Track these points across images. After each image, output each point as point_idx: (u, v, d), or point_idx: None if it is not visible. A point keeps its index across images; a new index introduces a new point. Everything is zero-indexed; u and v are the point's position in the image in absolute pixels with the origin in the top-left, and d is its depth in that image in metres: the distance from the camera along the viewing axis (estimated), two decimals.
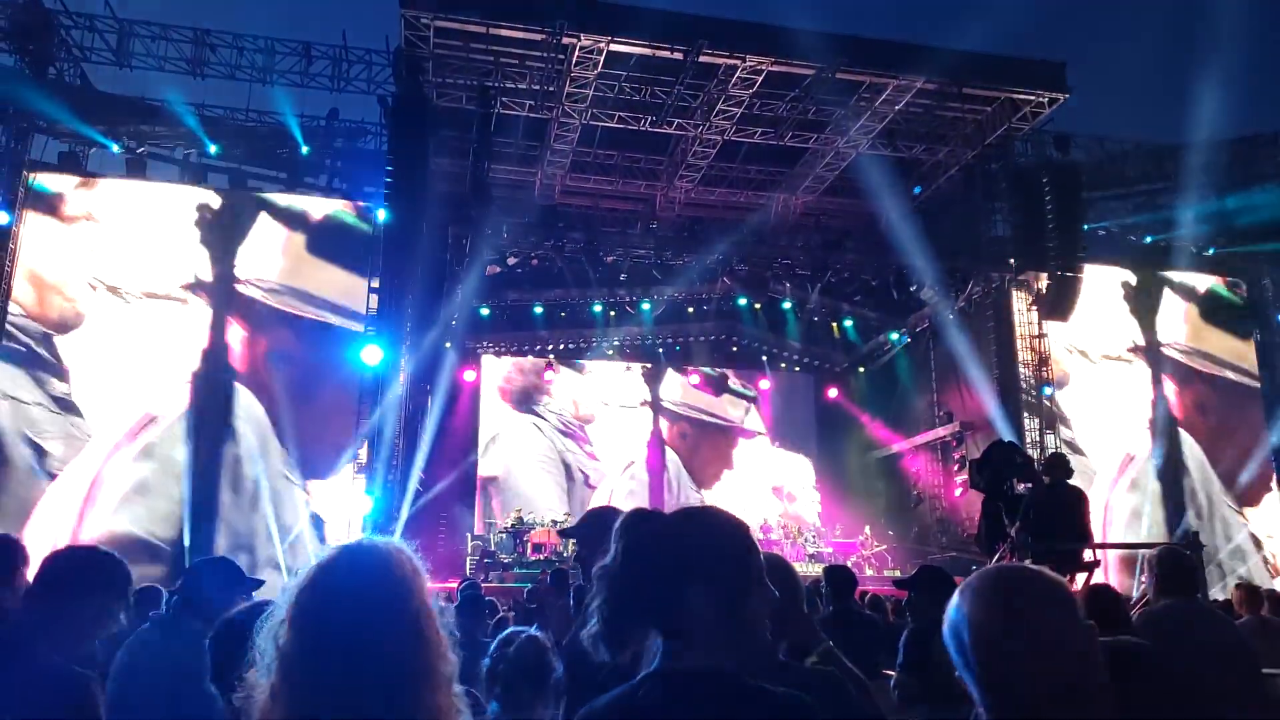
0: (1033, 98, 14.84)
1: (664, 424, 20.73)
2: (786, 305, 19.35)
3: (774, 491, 20.69)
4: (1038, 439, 15.17)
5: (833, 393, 21.46)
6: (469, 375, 19.14)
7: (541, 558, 14.75)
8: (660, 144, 16.54)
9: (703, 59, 13.64)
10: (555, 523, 15.81)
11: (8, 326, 12.97)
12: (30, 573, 2.58)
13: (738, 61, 13.71)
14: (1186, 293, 17.34)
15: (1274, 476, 16.50)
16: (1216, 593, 12.99)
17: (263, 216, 14.19)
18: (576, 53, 13.43)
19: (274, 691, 1.33)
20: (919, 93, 14.57)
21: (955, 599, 1.43)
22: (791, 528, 17.95)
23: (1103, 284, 16.48)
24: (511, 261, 17.03)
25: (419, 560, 1.47)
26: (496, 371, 20.10)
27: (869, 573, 15.71)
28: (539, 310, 18.81)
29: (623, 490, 19.80)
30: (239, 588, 3.12)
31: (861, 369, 21.39)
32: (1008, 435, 13.99)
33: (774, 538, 17.49)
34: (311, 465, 13.23)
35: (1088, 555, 7.03)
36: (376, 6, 15.25)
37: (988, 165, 16.20)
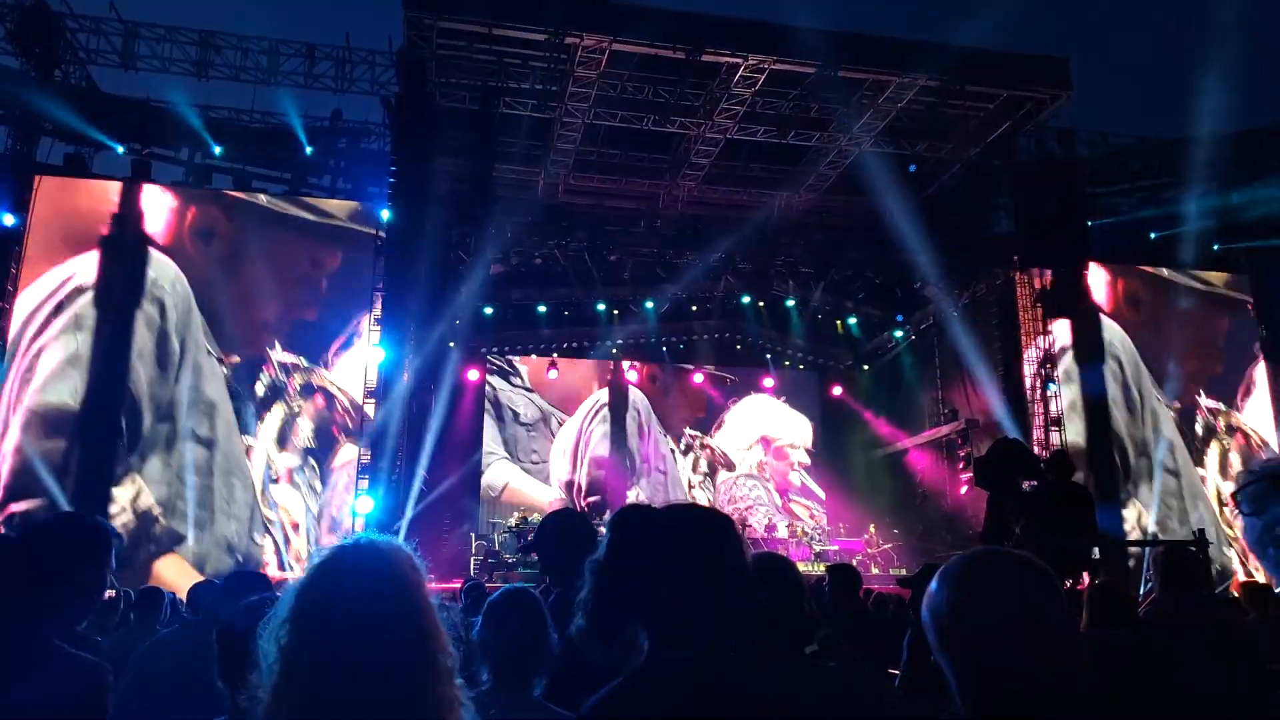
0: (1036, 94, 14.81)
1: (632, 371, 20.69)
2: (790, 303, 19.36)
3: (761, 442, 20.79)
4: (1043, 436, 15.15)
5: (837, 391, 21.45)
6: (473, 375, 19.17)
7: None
8: (663, 143, 16.55)
9: (705, 58, 13.65)
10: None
11: None
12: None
13: (740, 60, 13.71)
14: None
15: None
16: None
17: None
18: (579, 52, 13.44)
19: (278, 692, 1.34)
20: (922, 90, 14.56)
21: (935, 582, 1.42)
22: (797, 527, 17.97)
23: None
24: (515, 261, 17.05)
25: (417, 558, 1.49)
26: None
27: (874, 571, 15.72)
28: (542, 309, 18.84)
29: (598, 434, 19.95)
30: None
31: (866, 367, 21.39)
32: (1013, 432, 13.98)
33: (779, 536, 17.51)
34: (230, 340, 13.69)
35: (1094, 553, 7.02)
36: (380, 7, 15.28)
37: (991, 161, 16.17)
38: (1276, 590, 6.53)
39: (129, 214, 13.71)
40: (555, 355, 19.91)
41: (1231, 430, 16.88)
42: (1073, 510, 6.51)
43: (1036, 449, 14.13)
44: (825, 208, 18.12)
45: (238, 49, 14.28)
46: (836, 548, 16.88)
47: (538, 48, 13.59)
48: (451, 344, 17.07)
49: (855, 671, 2.24)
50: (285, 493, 13.54)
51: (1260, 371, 17.09)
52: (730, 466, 20.45)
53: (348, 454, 13.75)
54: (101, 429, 12.83)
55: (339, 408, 14.04)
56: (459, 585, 8.43)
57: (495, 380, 19.92)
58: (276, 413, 13.81)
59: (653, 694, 1.46)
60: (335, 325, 14.18)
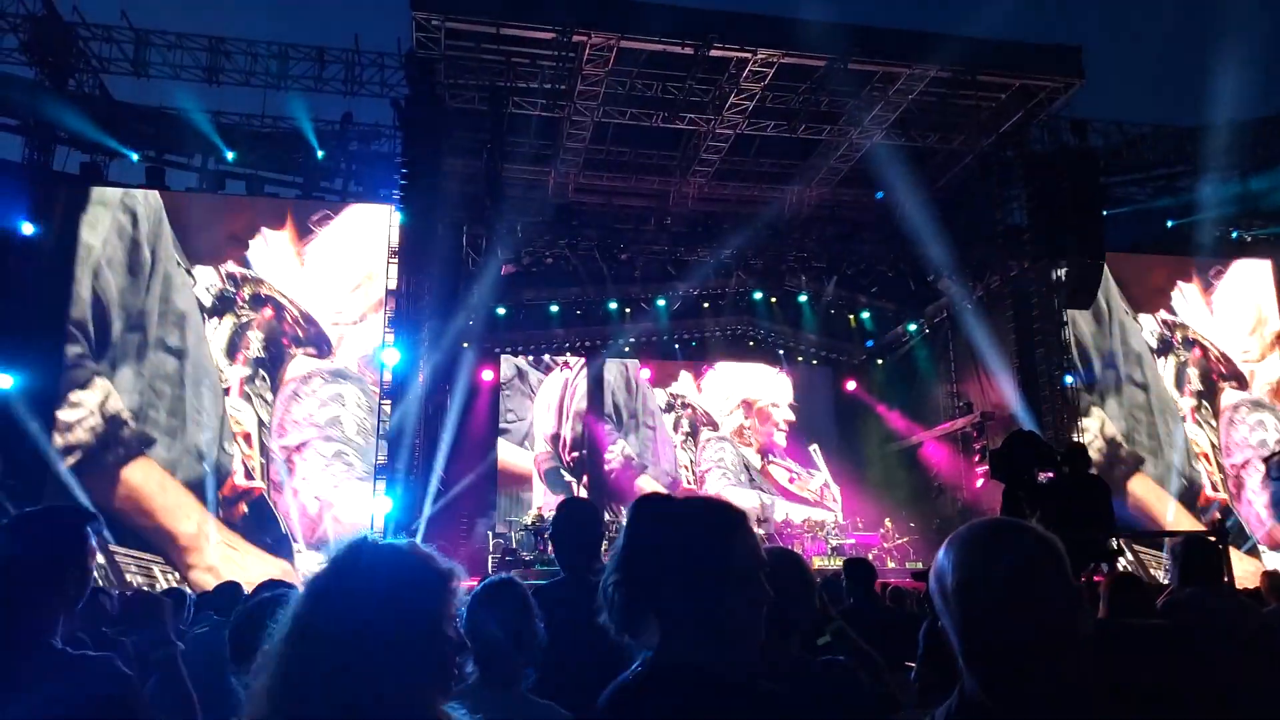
0: (1048, 84, 14.69)
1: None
2: (803, 298, 19.30)
3: (743, 405, 20.83)
4: (1058, 428, 15.05)
5: (851, 385, 21.38)
6: (487, 375, 19.22)
7: None
8: (673, 140, 16.52)
9: (714, 53, 13.61)
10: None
11: None
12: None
13: (749, 55, 13.67)
14: None
15: None
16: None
17: None
18: (587, 51, 13.44)
19: (266, 690, 1.32)
20: (932, 81, 14.47)
21: (943, 548, 1.42)
22: (812, 522, 17.93)
23: None
24: (526, 260, 17.08)
25: (443, 561, 1.44)
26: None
27: (890, 565, 15.66)
28: (555, 309, 18.86)
29: (584, 388, 20.00)
30: None
31: (880, 360, 21.30)
32: (1028, 425, 13.89)
33: (795, 531, 17.48)
34: (197, 251, 14.17)
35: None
36: (388, 9, 15.31)
37: (1004, 153, 16.06)
38: None
39: None
40: (568, 354, 19.94)
41: (1189, 344, 16.76)
42: (1088, 502, 6.48)
43: (1052, 440, 14.04)
44: (837, 201, 18.05)
45: (247, 54, 14.38)
46: (853, 541, 16.83)
47: (546, 46, 13.60)
48: (465, 344, 17.12)
49: (867, 666, 2.23)
50: (236, 405, 13.78)
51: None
52: (715, 426, 20.44)
53: (298, 366, 13.98)
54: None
55: (288, 318, 14.25)
56: (476, 583, 8.45)
57: None
58: (226, 323, 14.06)
59: (659, 691, 1.46)
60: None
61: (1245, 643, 3.46)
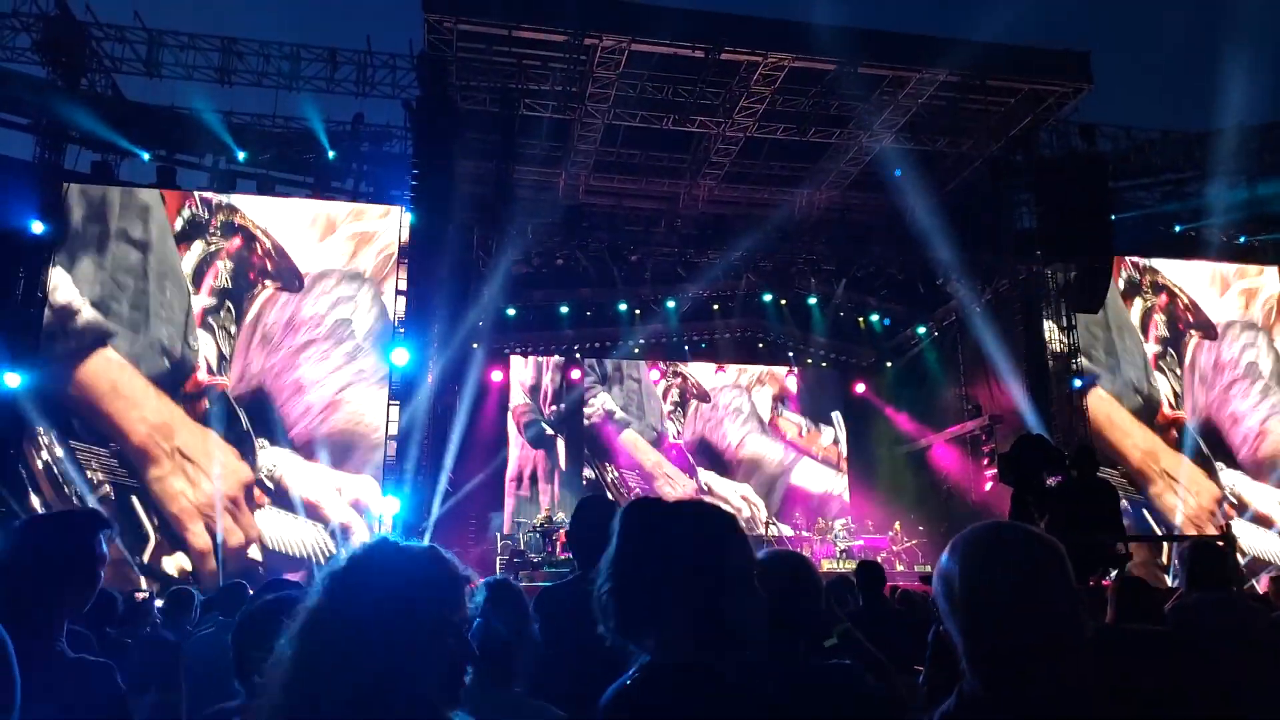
0: (1057, 88, 14.68)
1: None
2: (812, 301, 19.30)
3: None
4: (1067, 432, 15.03)
5: (860, 388, 21.37)
6: (496, 376, 19.27)
7: (571, 556, 14.82)
8: (683, 142, 16.55)
9: (724, 56, 13.64)
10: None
11: None
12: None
13: (759, 58, 13.70)
14: None
15: None
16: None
17: None
18: (598, 53, 13.48)
19: (279, 680, 1.33)
20: (942, 85, 14.47)
21: (947, 551, 1.44)
22: (821, 524, 17.92)
23: None
24: (536, 262, 17.13)
25: (457, 565, 1.44)
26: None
27: (899, 568, 15.65)
28: (564, 310, 18.90)
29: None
30: None
31: (889, 363, 21.29)
32: (1037, 428, 13.88)
33: (804, 534, 17.48)
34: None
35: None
36: (400, 11, 15.38)
37: (1013, 157, 16.05)
38: None
39: None
40: (578, 356, 19.98)
41: (1158, 288, 16.68)
42: (1096, 505, 6.48)
43: (1060, 444, 14.02)
44: (846, 205, 18.06)
45: (260, 55, 14.43)
46: (862, 543, 16.83)
47: (557, 49, 13.64)
48: (475, 345, 17.17)
49: (874, 668, 2.24)
50: (198, 334, 13.53)
51: None
52: (705, 398, 20.43)
53: (265, 298, 13.77)
54: None
55: (259, 250, 14.02)
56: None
57: None
58: (195, 250, 13.80)
59: (658, 693, 1.47)
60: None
61: (1252, 647, 3.47)
